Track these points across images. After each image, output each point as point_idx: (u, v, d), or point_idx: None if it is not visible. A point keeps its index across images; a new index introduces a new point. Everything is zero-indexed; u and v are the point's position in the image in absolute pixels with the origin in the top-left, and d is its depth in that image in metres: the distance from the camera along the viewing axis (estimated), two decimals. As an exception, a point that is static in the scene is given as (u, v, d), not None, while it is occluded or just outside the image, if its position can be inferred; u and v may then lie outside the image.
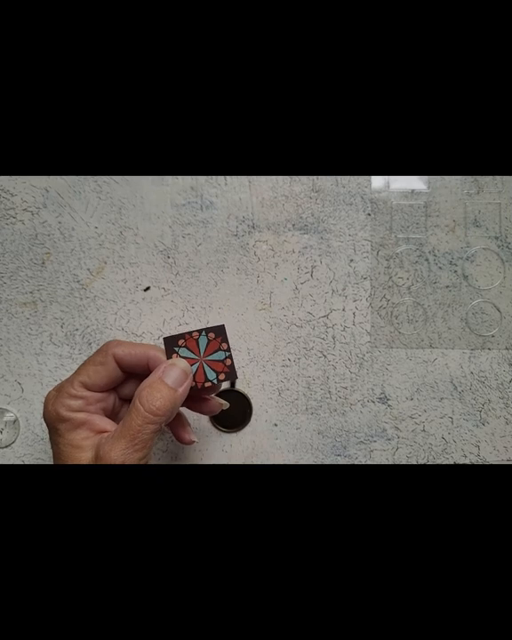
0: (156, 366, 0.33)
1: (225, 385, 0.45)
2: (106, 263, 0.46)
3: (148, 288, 0.46)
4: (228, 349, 0.34)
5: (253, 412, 0.45)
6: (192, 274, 0.46)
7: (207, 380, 0.34)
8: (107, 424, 0.33)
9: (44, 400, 0.33)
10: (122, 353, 0.33)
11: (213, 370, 0.34)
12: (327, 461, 0.45)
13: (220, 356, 0.34)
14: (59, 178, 0.46)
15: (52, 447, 0.33)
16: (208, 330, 0.34)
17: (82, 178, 0.46)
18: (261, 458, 0.45)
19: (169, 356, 0.34)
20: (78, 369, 0.34)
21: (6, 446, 0.45)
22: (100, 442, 0.31)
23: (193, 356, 0.34)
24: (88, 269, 0.46)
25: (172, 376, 0.32)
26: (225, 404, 0.37)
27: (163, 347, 0.34)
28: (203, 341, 0.34)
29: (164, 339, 0.34)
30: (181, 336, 0.34)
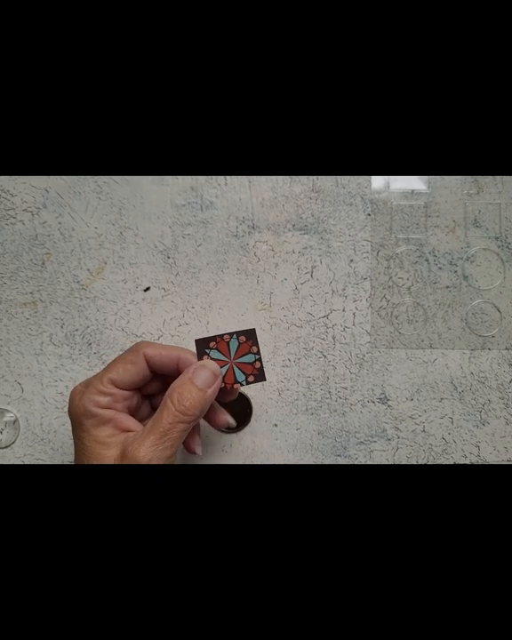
0: (185, 368, 0.34)
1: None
2: (106, 263, 0.46)
3: (148, 288, 0.46)
4: (258, 353, 0.35)
5: (253, 413, 0.45)
6: (192, 274, 0.46)
7: (236, 381, 0.35)
8: (132, 423, 0.34)
9: (69, 395, 0.34)
10: (153, 352, 0.34)
11: (243, 372, 0.35)
12: (327, 462, 0.45)
13: (249, 358, 0.35)
14: (59, 178, 0.46)
15: (75, 442, 0.33)
16: (239, 333, 0.35)
17: (82, 178, 0.46)
18: (261, 458, 0.45)
19: (200, 358, 0.35)
20: (108, 366, 0.34)
21: (6, 447, 0.45)
22: (126, 440, 0.32)
23: (223, 357, 0.35)
24: (88, 270, 0.46)
25: (202, 377, 0.33)
26: (232, 423, 0.38)
27: (193, 348, 0.35)
28: (233, 344, 0.35)
29: (196, 340, 0.35)
30: (213, 338, 0.35)
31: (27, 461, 0.45)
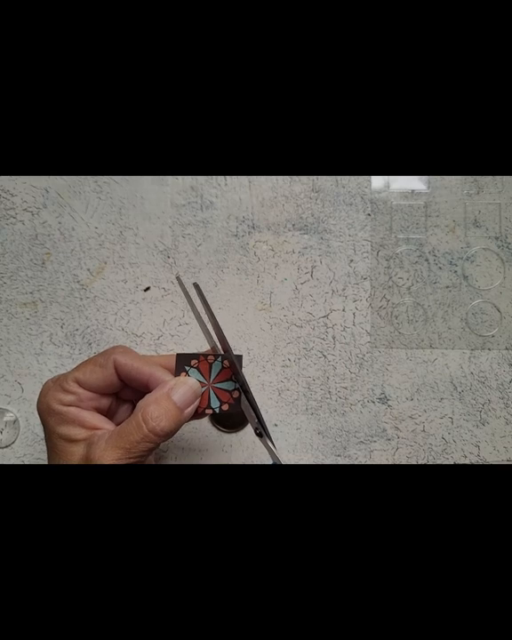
0: (155, 386, 0.32)
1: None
2: (106, 263, 0.46)
3: (148, 288, 0.46)
4: (239, 382, 0.33)
5: (253, 413, 0.45)
6: (192, 274, 0.46)
7: (210, 406, 0.33)
8: (98, 421, 0.32)
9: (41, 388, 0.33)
10: (123, 361, 0.32)
11: (219, 398, 0.33)
12: (327, 462, 0.45)
13: (229, 385, 0.33)
14: (59, 178, 0.46)
15: (45, 439, 0.33)
16: (225, 357, 0.33)
17: (82, 178, 0.46)
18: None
19: (177, 374, 0.33)
20: (78, 365, 0.33)
21: (6, 446, 0.45)
22: (91, 439, 0.31)
23: (202, 379, 0.33)
24: (88, 269, 0.46)
25: (181, 394, 0.31)
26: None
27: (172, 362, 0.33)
28: (216, 367, 0.33)
29: (178, 355, 0.33)
30: (195, 356, 0.33)
31: (27, 461, 0.45)
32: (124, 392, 0.35)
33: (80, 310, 0.46)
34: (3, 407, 0.45)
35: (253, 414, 0.33)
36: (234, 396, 0.33)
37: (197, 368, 0.33)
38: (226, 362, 0.33)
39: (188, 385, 0.32)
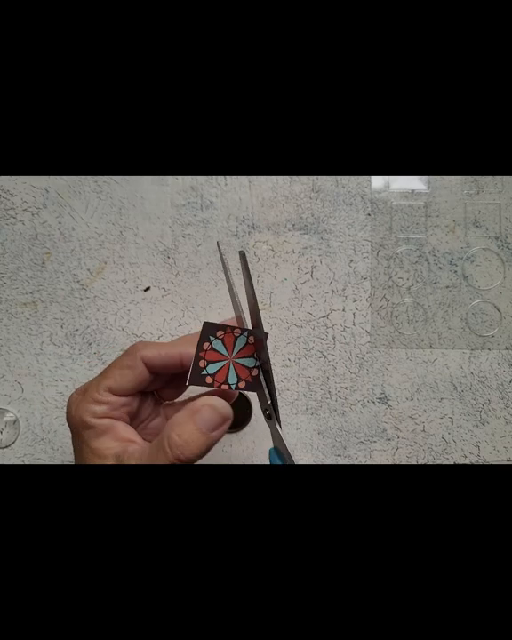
0: (188, 363, 0.31)
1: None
2: (106, 263, 0.46)
3: (148, 288, 0.46)
4: (261, 361, 0.32)
5: (253, 412, 0.45)
6: (192, 274, 0.46)
7: (226, 382, 0.32)
8: (130, 433, 0.32)
9: (67, 403, 0.32)
10: (151, 355, 0.31)
11: (237, 374, 0.32)
12: (327, 462, 0.45)
13: (249, 362, 0.32)
14: (59, 178, 0.46)
15: (74, 450, 0.32)
16: (251, 333, 0.32)
17: (82, 178, 0.46)
18: (261, 458, 0.45)
19: (201, 342, 0.31)
20: (105, 372, 0.32)
21: (6, 446, 0.45)
22: (122, 456, 0.30)
23: (225, 352, 0.32)
24: (88, 269, 0.46)
25: (206, 419, 0.30)
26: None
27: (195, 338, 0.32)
28: (241, 341, 0.32)
29: (205, 323, 0.31)
30: (223, 328, 0.31)
31: (27, 461, 0.45)
32: (150, 384, 0.34)
33: (80, 310, 0.46)
34: (3, 407, 0.45)
35: (267, 394, 0.32)
36: (252, 374, 0.32)
37: (222, 340, 0.32)
38: (251, 337, 0.32)
39: (213, 408, 0.30)
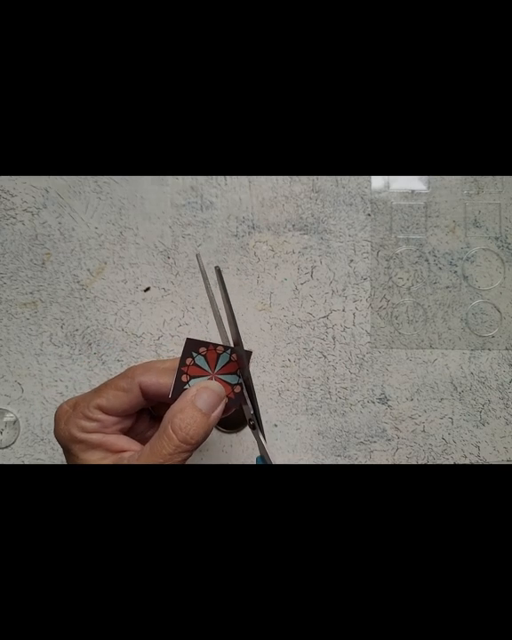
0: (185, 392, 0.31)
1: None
2: (106, 264, 0.46)
3: (148, 288, 0.46)
4: (243, 377, 0.32)
5: (253, 413, 0.45)
6: (192, 274, 0.46)
7: None
8: (125, 443, 0.32)
9: (55, 414, 0.32)
10: (149, 382, 0.31)
11: None
12: (327, 462, 0.45)
13: (232, 379, 0.32)
14: (59, 178, 0.46)
15: (68, 463, 0.32)
16: (234, 350, 0.32)
17: (82, 178, 0.46)
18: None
19: (183, 359, 0.32)
20: (98, 389, 0.32)
21: (6, 447, 0.45)
22: (121, 462, 0.30)
23: (207, 368, 0.32)
24: (88, 270, 0.46)
25: (205, 400, 0.31)
26: None
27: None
28: (224, 358, 0.32)
29: (188, 339, 0.32)
30: (205, 344, 0.32)
31: (27, 461, 0.45)
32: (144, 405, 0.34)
33: (80, 310, 0.46)
34: (3, 407, 0.45)
35: (250, 405, 0.33)
36: (235, 390, 0.33)
37: (204, 356, 0.32)
38: (234, 355, 0.32)
39: (210, 389, 0.31)
